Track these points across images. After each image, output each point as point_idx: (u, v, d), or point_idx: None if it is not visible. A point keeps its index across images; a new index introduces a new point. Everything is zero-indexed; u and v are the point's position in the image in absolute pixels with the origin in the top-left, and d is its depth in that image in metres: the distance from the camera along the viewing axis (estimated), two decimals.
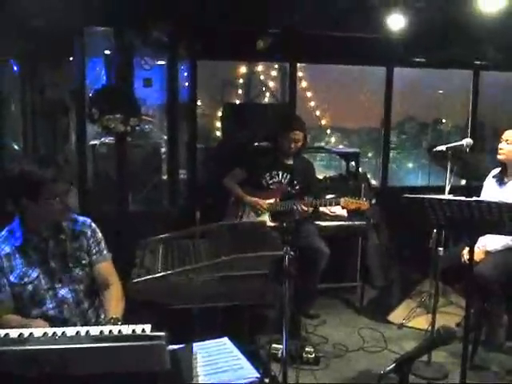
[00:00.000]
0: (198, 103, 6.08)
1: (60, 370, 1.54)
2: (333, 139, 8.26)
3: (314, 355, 3.80)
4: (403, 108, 7.39)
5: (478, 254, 3.79)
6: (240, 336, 2.90)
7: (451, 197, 3.19)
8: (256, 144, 5.32)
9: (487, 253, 3.87)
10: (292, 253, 2.77)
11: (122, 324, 2.45)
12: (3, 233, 2.61)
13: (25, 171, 2.48)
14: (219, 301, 2.94)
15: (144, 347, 1.58)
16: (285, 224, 3.33)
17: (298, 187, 4.48)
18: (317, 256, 4.31)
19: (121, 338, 1.75)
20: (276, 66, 7.19)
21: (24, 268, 2.55)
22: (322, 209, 4.44)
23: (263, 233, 3.62)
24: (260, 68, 7.27)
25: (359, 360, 3.97)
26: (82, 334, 1.92)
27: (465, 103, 6.39)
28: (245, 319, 3.49)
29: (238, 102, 7.15)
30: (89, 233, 2.71)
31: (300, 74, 6.95)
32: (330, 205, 4.33)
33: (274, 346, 3.68)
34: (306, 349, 3.83)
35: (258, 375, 1.90)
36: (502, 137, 3.94)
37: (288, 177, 4.50)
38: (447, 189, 3.97)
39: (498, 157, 3.95)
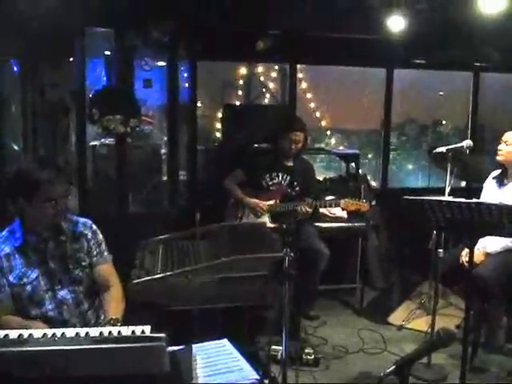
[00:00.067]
0: (198, 104, 6.08)
1: (60, 371, 1.53)
2: (333, 140, 8.26)
3: (313, 356, 3.80)
4: (403, 109, 7.39)
5: (478, 256, 3.79)
6: (240, 337, 2.90)
7: (451, 198, 3.18)
8: (256, 145, 5.32)
9: (487, 254, 3.87)
10: (292, 254, 2.77)
11: (121, 325, 2.46)
12: (4, 233, 2.62)
13: (22, 170, 2.49)
14: (219, 302, 2.94)
15: (144, 348, 1.58)
16: (285, 225, 3.32)
17: (297, 188, 4.48)
18: (317, 257, 4.31)
19: (120, 339, 1.75)
20: (276, 68, 7.19)
21: (23, 268, 2.55)
22: (321, 210, 4.44)
23: (263, 234, 3.63)
24: (260, 69, 7.27)
25: (359, 361, 3.97)
26: (82, 335, 1.91)
27: (465, 105, 6.40)
28: (244, 320, 3.49)
29: (238, 103, 7.15)
30: (89, 234, 2.71)
31: (300, 75, 6.95)
32: (330, 206, 4.34)
33: (273, 347, 3.68)
34: (306, 350, 3.82)
35: (258, 377, 1.90)
36: (502, 138, 3.94)
37: (288, 178, 4.50)
38: (447, 190, 3.97)
39: (497, 158, 3.95)
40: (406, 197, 3.06)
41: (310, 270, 4.32)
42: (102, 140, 5.60)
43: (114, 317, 2.54)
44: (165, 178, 5.80)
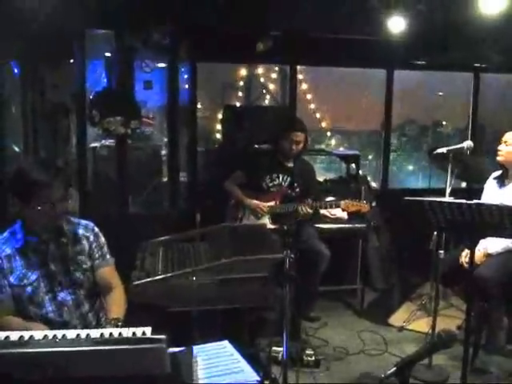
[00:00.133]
0: (199, 106, 6.08)
1: (61, 372, 1.53)
2: (333, 141, 8.25)
3: (314, 358, 3.80)
4: (403, 110, 7.39)
5: (479, 257, 3.79)
6: (240, 339, 2.90)
7: (452, 199, 3.18)
8: (256, 146, 5.32)
9: (488, 255, 3.87)
10: (292, 255, 2.77)
11: (122, 325, 2.46)
12: (5, 234, 2.62)
13: (20, 171, 2.49)
14: (219, 303, 2.94)
15: (144, 350, 1.58)
16: (285, 227, 3.32)
17: (298, 190, 4.48)
18: (317, 258, 4.31)
19: (121, 340, 1.74)
20: (276, 69, 7.19)
21: (24, 270, 2.55)
22: (322, 211, 4.43)
23: (263, 235, 3.62)
24: (260, 70, 7.27)
25: (359, 363, 3.97)
26: (83, 336, 1.91)
27: (465, 105, 6.39)
28: (245, 322, 3.49)
29: (238, 104, 7.14)
30: (91, 237, 2.71)
31: (300, 76, 6.95)
32: (331, 207, 4.33)
33: (274, 348, 3.67)
34: (307, 351, 3.82)
35: (259, 378, 1.90)
36: (502, 139, 3.94)
37: (288, 179, 4.50)
38: (448, 191, 3.98)
39: (498, 159, 3.95)
40: (406, 198, 3.06)
41: (311, 271, 4.32)
42: (103, 141, 5.61)
43: (115, 317, 2.55)
44: (165, 180, 5.81)
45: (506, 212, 2.73)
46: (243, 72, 7.17)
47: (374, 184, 6.34)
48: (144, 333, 1.94)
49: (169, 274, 2.88)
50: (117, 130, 4.89)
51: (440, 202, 2.93)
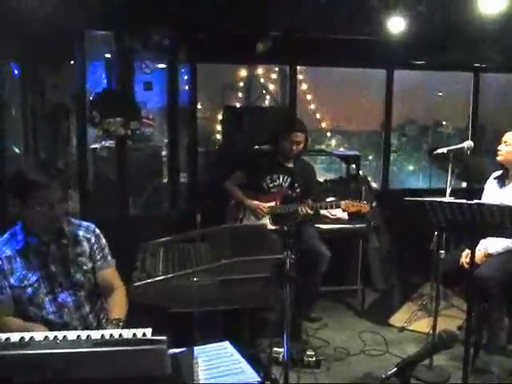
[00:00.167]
0: (199, 106, 6.09)
1: (61, 374, 1.53)
2: (333, 142, 8.25)
3: (315, 358, 3.80)
4: (404, 110, 7.39)
5: (479, 257, 3.79)
6: (241, 339, 2.90)
7: (452, 199, 3.18)
8: (256, 147, 5.32)
9: (488, 255, 3.87)
10: (293, 256, 2.77)
11: (124, 325, 2.47)
12: (5, 235, 2.62)
13: (19, 171, 2.50)
14: (220, 304, 2.94)
15: (145, 351, 1.58)
16: (285, 227, 3.32)
17: (298, 190, 4.48)
18: (318, 259, 4.31)
19: (122, 342, 1.74)
20: (276, 69, 7.18)
21: (24, 271, 2.55)
22: (322, 212, 4.43)
23: (264, 236, 3.62)
24: (260, 71, 7.27)
25: (360, 363, 3.96)
26: (83, 338, 1.91)
27: (465, 105, 6.39)
28: (245, 323, 3.49)
29: (238, 105, 7.14)
30: (93, 239, 2.71)
31: (300, 76, 6.95)
32: (331, 208, 4.33)
33: (274, 349, 3.67)
34: (307, 352, 3.82)
35: (259, 379, 1.90)
36: (502, 139, 3.94)
37: (289, 180, 4.50)
38: (448, 191, 3.98)
39: (497, 158, 3.96)
40: (406, 198, 3.06)
41: (311, 272, 4.31)
42: (103, 143, 5.61)
43: (116, 317, 2.55)
44: (165, 181, 5.81)
45: (506, 212, 2.73)
46: (243, 73, 7.17)
47: (374, 184, 6.33)
48: (144, 334, 1.93)
49: (169, 275, 2.87)
50: (117, 131, 4.89)
51: (440, 202, 2.93)
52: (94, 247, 2.71)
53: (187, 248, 3.30)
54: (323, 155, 7.01)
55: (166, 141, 5.88)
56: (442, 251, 3.96)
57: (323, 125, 8.07)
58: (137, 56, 5.05)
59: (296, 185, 4.48)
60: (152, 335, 1.89)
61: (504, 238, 3.66)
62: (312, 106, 7.79)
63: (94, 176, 5.51)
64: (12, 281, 2.53)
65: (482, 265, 3.76)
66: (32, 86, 5.16)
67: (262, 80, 7.34)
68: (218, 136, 6.75)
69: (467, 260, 3.74)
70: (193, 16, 4.75)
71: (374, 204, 4.51)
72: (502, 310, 3.81)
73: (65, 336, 1.94)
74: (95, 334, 1.96)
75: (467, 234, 3.04)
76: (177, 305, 2.85)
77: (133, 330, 1.98)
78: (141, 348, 1.59)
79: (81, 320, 2.64)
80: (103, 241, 2.77)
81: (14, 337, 1.88)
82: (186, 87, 5.62)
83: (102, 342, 1.76)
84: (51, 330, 2.37)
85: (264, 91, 7.37)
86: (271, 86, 7.33)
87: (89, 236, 2.71)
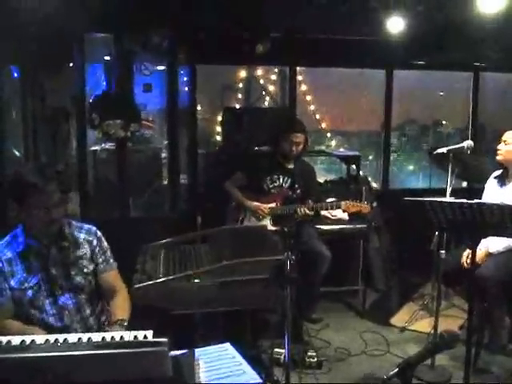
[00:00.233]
0: (198, 108, 6.09)
1: (62, 377, 1.53)
2: (333, 142, 8.26)
3: (316, 359, 3.79)
4: (403, 110, 7.39)
5: (480, 256, 3.79)
6: (242, 341, 2.90)
7: (453, 199, 3.18)
8: (256, 148, 5.32)
9: (489, 254, 3.87)
10: (293, 257, 2.77)
11: (127, 326, 2.48)
12: (6, 238, 2.62)
13: (17, 175, 2.49)
14: (221, 306, 2.93)
15: (145, 354, 1.58)
16: (286, 228, 3.32)
17: (298, 191, 4.47)
18: (318, 259, 4.31)
19: (122, 344, 1.75)
20: (276, 70, 7.19)
21: (25, 274, 2.55)
22: (323, 212, 4.43)
23: (264, 237, 3.62)
24: (259, 72, 7.27)
25: (362, 364, 3.96)
26: (84, 340, 1.91)
27: (465, 105, 6.39)
28: (247, 324, 3.49)
29: (237, 106, 7.14)
30: (94, 241, 2.71)
31: (300, 77, 6.95)
32: (332, 208, 4.33)
33: (276, 350, 3.67)
34: (309, 353, 3.81)
35: (261, 380, 1.90)
36: (501, 138, 3.94)
37: (289, 180, 4.49)
38: (448, 191, 3.98)
39: (497, 158, 3.95)
40: (407, 198, 3.05)
41: (312, 273, 4.31)
42: (103, 145, 5.62)
43: (120, 317, 2.56)
44: (165, 182, 5.81)
45: (506, 211, 2.73)
46: (242, 74, 7.17)
47: (374, 184, 6.33)
48: (145, 336, 1.94)
49: (170, 277, 2.87)
50: (117, 133, 4.89)
51: (441, 201, 2.93)
52: (96, 250, 2.70)
53: (188, 249, 3.30)
54: (323, 156, 7.01)
55: (166, 142, 5.89)
56: (443, 251, 3.96)
57: (323, 125, 8.07)
58: (136, 58, 5.06)
59: (296, 186, 4.48)
60: (153, 337, 1.89)
61: (505, 238, 3.65)
62: (312, 107, 7.79)
63: (94, 178, 5.52)
64: (12, 283, 2.53)
65: (482, 264, 3.76)
66: (32, 89, 5.16)
67: (261, 81, 7.34)
68: (218, 137, 6.76)
69: (468, 261, 3.75)
70: (192, 17, 4.75)
71: (375, 204, 4.51)
72: (503, 309, 3.81)
73: (66, 339, 1.95)
74: (96, 337, 1.96)
75: (468, 234, 3.04)
76: (178, 306, 2.85)
77: (134, 332, 1.99)
78: (142, 350, 1.58)
79: (81, 323, 2.63)
80: (105, 243, 2.77)
81: (15, 340, 1.88)
82: (186, 89, 5.62)
83: (103, 344, 1.76)
84: (51, 332, 2.38)
85: (264, 92, 7.37)
86: (271, 87, 7.33)
87: (90, 238, 2.70)
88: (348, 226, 4.76)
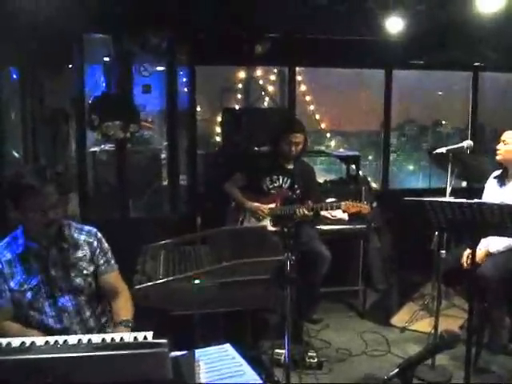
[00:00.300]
0: (198, 109, 6.08)
1: (62, 378, 1.53)
2: (333, 143, 8.25)
3: (316, 360, 3.79)
4: (403, 110, 7.39)
5: (480, 256, 3.79)
6: (242, 342, 2.90)
7: (452, 199, 3.18)
8: (256, 148, 5.31)
9: (489, 254, 3.87)
10: (293, 258, 2.77)
11: (133, 326, 2.50)
12: (7, 239, 2.62)
13: (14, 177, 2.49)
14: (221, 306, 2.93)
15: (145, 355, 1.57)
16: (286, 229, 3.32)
17: (298, 191, 4.47)
18: (318, 260, 4.30)
19: (122, 345, 1.74)
20: (275, 71, 7.19)
21: (24, 275, 2.54)
22: (323, 213, 4.42)
23: (264, 237, 3.61)
24: (259, 73, 7.26)
25: (362, 364, 3.96)
26: (84, 342, 1.91)
27: (465, 105, 6.39)
28: (247, 325, 3.49)
29: (237, 106, 7.14)
30: (95, 243, 2.70)
31: (299, 77, 6.95)
32: (331, 209, 4.33)
33: (276, 351, 3.67)
34: (309, 353, 3.81)
35: (261, 381, 1.89)
36: (500, 138, 3.94)
37: (288, 181, 4.49)
38: (448, 191, 3.98)
39: (497, 158, 3.96)
40: (407, 198, 3.05)
41: (312, 273, 4.31)
42: (102, 146, 5.62)
43: (124, 318, 2.56)
44: (165, 183, 5.81)
45: (506, 211, 2.73)
46: (242, 74, 7.16)
47: (374, 185, 6.33)
48: (145, 337, 1.94)
49: (170, 278, 2.87)
50: (116, 134, 4.89)
51: (441, 201, 2.93)
52: (97, 251, 2.70)
53: (188, 250, 3.30)
54: (323, 156, 7.01)
55: (166, 143, 5.89)
56: (443, 251, 3.96)
57: (322, 125, 8.07)
58: (135, 59, 5.06)
59: (296, 186, 4.47)
60: (153, 338, 1.89)
61: (505, 237, 3.65)
62: (311, 107, 7.79)
63: (94, 179, 5.51)
64: (12, 284, 2.53)
65: (482, 264, 3.76)
66: (31, 90, 5.15)
67: (260, 81, 7.34)
68: (218, 138, 6.76)
69: (469, 262, 3.74)
70: (191, 18, 4.75)
71: (375, 204, 4.51)
72: (503, 308, 3.81)
73: (65, 340, 1.94)
74: (96, 338, 1.96)
75: (468, 234, 3.04)
76: (178, 307, 2.85)
77: (134, 334, 1.98)
78: (141, 352, 1.58)
79: (81, 324, 2.63)
80: (106, 245, 2.76)
81: (15, 342, 1.88)
82: (185, 90, 5.61)
83: (103, 345, 1.75)
84: (51, 334, 2.37)
85: (263, 93, 7.37)
86: (270, 88, 7.33)
87: (90, 240, 2.70)
88: (348, 227, 4.76)
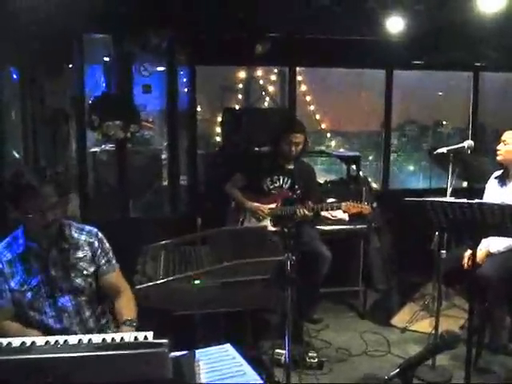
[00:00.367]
0: (198, 109, 6.08)
1: (63, 378, 1.53)
2: (333, 143, 8.25)
3: (317, 360, 3.79)
4: (403, 110, 7.39)
5: (481, 256, 3.79)
6: (243, 342, 2.90)
7: (453, 199, 3.17)
8: (256, 149, 5.31)
9: (490, 254, 3.86)
10: (293, 258, 2.76)
11: (137, 325, 2.49)
12: (7, 239, 2.62)
13: (12, 177, 2.49)
14: (221, 306, 2.93)
15: (146, 355, 1.57)
16: (286, 229, 3.32)
17: (299, 191, 4.47)
18: (319, 260, 4.30)
19: (122, 345, 1.74)
20: (275, 71, 7.19)
21: (24, 275, 2.54)
22: (323, 213, 4.43)
23: (264, 238, 3.61)
24: (259, 73, 7.27)
25: (362, 364, 3.96)
26: (85, 342, 1.91)
27: (465, 105, 6.39)
28: (247, 325, 3.48)
29: (237, 107, 7.14)
30: (96, 243, 2.69)
31: (299, 77, 6.95)
32: (332, 209, 4.33)
33: (276, 351, 3.67)
34: (309, 353, 3.81)
35: (262, 381, 1.89)
36: (501, 138, 3.94)
37: (289, 181, 4.49)
38: (449, 191, 3.97)
39: (497, 158, 3.96)
40: (407, 198, 3.05)
41: (312, 273, 4.31)
42: (102, 146, 5.62)
43: (128, 318, 2.56)
44: (165, 183, 5.81)
45: (507, 211, 2.73)
46: (242, 74, 7.17)
47: (374, 185, 6.32)
48: (146, 337, 1.93)
49: (170, 278, 2.87)
50: (116, 134, 4.89)
51: (441, 201, 2.93)
52: (98, 252, 2.69)
53: (188, 251, 3.30)
54: (323, 156, 7.00)
55: (166, 143, 5.89)
56: (443, 251, 3.96)
57: (323, 126, 8.07)
58: (135, 59, 5.06)
59: (296, 186, 4.47)
60: (153, 338, 1.88)
61: (505, 238, 3.65)
62: (311, 107, 7.79)
63: (94, 179, 5.52)
64: (12, 284, 2.53)
65: (483, 264, 3.76)
66: (31, 91, 5.16)
67: (261, 82, 7.34)
68: (218, 138, 6.76)
69: (470, 262, 3.74)
70: (191, 18, 4.75)
71: (375, 205, 4.50)
72: (504, 308, 3.81)
73: (66, 340, 1.94)
74: (96, 338, 1.95)
75: (468, 234, 3.04)
76: (178, 307, 2.85)
77: (134, 334, 1.98)
78: (142, 351, 1.58)
79: (80, 325, 2.62)
80: (107, 245, 2.75)
81: (15, 342, 1.88)
82: (185, 90, 5.61)
83: (103, 345, 1.75)
84: (50, 334, 2.37)
85: (263, 93, 7.37)
86: (270, 88, 7.33)
87: (91, 240, 2.69)
88: (348, 227, 4.76)
